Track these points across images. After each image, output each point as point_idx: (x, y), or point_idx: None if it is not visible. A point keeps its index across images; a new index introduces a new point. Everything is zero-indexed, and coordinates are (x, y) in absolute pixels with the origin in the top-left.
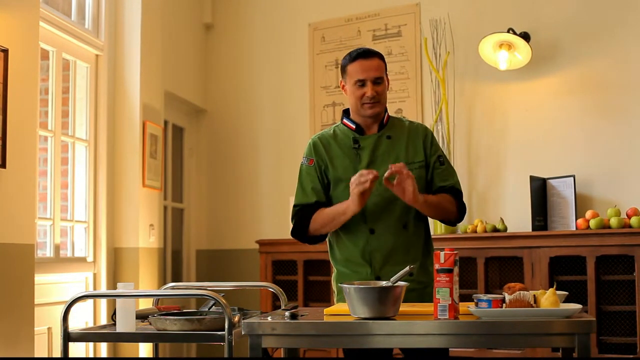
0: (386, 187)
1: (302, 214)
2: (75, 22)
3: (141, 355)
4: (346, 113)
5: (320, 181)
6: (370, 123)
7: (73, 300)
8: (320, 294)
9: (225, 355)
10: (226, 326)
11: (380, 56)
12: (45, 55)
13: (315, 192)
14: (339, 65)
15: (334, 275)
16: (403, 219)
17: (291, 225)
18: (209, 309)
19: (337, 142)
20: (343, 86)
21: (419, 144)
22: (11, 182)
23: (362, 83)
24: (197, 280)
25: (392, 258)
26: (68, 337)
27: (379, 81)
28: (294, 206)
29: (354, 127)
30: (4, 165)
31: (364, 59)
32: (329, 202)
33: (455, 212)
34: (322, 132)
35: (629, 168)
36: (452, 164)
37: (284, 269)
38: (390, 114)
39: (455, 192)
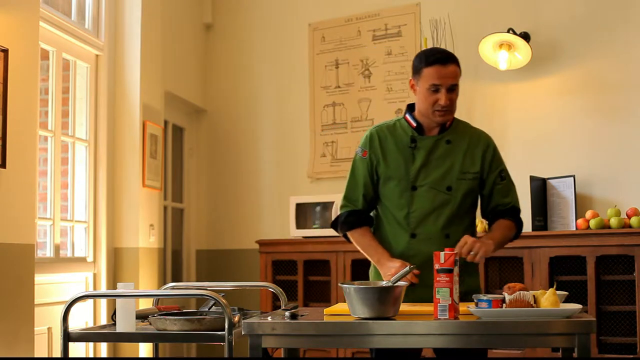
0: (436, 193)
1: (346, 219)
2: (75, 22)
3: (141, 355)
4: (410, 108)
5: (370, 175)
6: (434, 125)
7: (73, 300)
8: (320, 294)
9: (225, 355)
10: (226, 326)
11: (457, 62)
12: (45, 55)
13: (365, 187)
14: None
15: (371, 268)
16: (447, 229)
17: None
18: (209, 309)
19: (395, 137)
20: (412, 85)
21: (478, 154)
22: (11, 182)
23: (436, 89)
24: (197, 280)
25: (428, 265)
26: (68, 337)
27: (454, 88)
28: (344, 198)
29: (414, 125)
30: (4, 165)
31: (441, 66)
32: (376, 199)
33: (513, 236)
34: (382, 123)
35: (629, 168)
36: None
37: (284, 269)
38: (455, 117)
39: (514, 211)
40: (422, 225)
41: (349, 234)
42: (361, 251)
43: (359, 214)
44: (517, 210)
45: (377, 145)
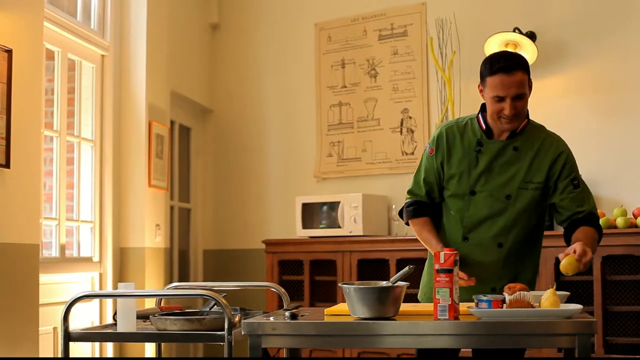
0: (494, 200)
1: (408, 209)
2: (81, 22)
3: (147, 355)
4: (483, 108)
5: (436, 173)
6: (503, 129)
7: (73, 300)
8: (326, 294)
9: (225, 355)
10: (226, 326)
11: (523, 68)
12: (50, 55)
13: (426, 184)
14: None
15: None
16: (499, 238)
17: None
18: (210, 309)
19: (464, 137)
20: (481, 90)
21: (545, 164)
22: (16, 182)
23: (500, 99)
24: (205, 280)
25: (475, 270)
26: (69, 337)
27: (520, 97)
28: (408, 191)
29: (484, 127)
30: (8, 166)
31: (505, 74)
32: (440, 195)
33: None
34: (455, 121)
35: (636, 168)
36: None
37: (291, 269)
38: (531, 120)
39: (592, 218)
40: (474, 231)
41: (410, 222)
42: (422, 242)
43: (421, 204)
44: (595, 216)
45: (444, 144)
